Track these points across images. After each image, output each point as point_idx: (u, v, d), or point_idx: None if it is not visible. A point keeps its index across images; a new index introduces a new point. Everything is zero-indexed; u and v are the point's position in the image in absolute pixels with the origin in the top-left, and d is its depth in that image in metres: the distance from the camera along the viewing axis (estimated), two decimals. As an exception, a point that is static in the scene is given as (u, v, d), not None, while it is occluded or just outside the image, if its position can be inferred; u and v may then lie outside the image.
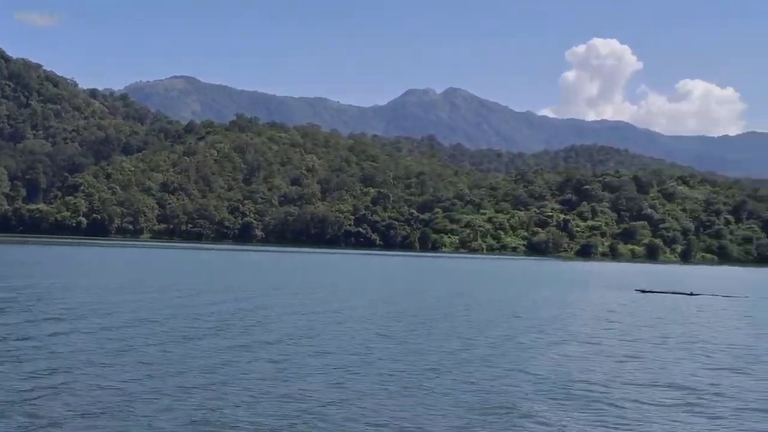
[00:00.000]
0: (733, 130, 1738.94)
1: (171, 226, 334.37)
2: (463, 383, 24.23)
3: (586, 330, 41.36)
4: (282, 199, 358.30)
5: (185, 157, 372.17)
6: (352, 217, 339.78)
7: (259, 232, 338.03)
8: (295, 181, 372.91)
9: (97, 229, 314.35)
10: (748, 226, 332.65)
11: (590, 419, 20.30)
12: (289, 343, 31.34)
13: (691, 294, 76.46)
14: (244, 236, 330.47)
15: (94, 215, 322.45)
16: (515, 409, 21.04)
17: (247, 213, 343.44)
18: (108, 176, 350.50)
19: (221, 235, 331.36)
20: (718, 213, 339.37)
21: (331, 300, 54.64)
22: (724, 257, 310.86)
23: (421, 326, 39.48)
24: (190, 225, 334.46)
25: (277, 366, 26.10)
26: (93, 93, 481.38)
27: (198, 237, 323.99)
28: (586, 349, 33.14)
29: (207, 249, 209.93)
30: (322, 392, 22.20)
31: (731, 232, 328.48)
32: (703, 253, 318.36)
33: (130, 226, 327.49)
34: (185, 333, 33.06)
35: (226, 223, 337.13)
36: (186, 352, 28.00)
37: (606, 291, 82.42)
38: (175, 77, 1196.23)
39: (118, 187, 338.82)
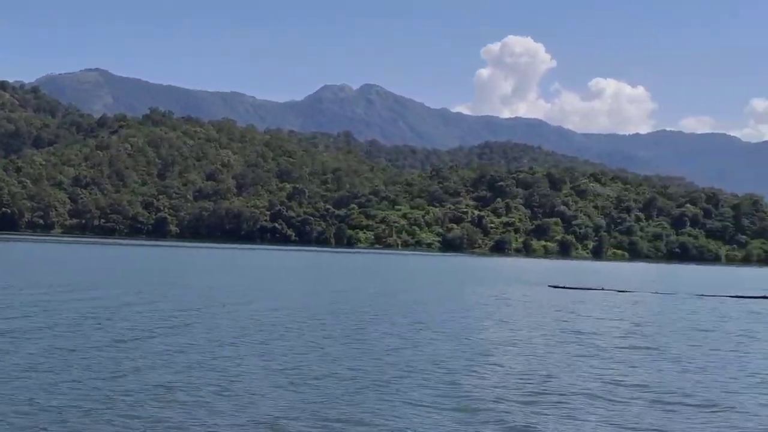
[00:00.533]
0: (644, 129, 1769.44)
1: (83, 221, 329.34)
2: (410, 381, 24.74)
3: (503, 326, 42.29)
4: (197, 194, 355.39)
5: (98, 151, 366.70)
6: (268, 213, 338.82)
7: (173, 228, 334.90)
8: (210, 176, 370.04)
9: (6, 223, 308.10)
10: (657, 222, 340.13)
11: (517, 411, 20.97)
12: (210, 346, 31.62)
13: (602, 289, 78.29)
14: (158, 231, 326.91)
15: (4, 209, 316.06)
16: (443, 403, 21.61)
17: (162, 208, 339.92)
18: (18, 170, 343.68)
19: (135, 230, 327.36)
20: (628, 210, 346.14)
21: (269, 298, 54.83)
22: (634, 253, 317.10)
23: (348, 325, 40.03)
24: (102, 220, 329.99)
25: (209, 366, 26.38)
26: (3, 85, 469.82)
27: (111, 232, 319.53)
28: (502, 345, 33.96)
29: (123, 245, 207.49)
30: (248, 393, 22.55)
31: (641, 229, 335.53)
32: (614, 249, 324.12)
33: (41, 221, 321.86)
34: (117, 335, 33.06)
35: (140, 219, 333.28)
36: (114, 356, 28.04)
37: (521, 287, 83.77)
38: (88, 70, 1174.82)
39: (28, 181, 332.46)
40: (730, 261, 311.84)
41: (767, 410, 22.35)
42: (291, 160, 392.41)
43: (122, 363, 25.46)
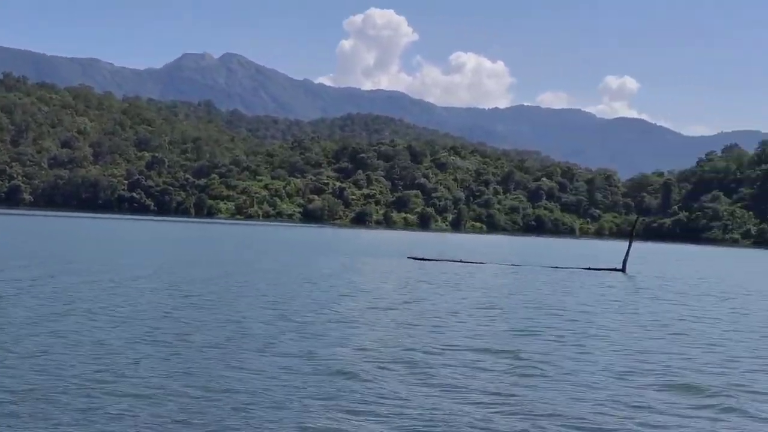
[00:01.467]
0: (503, 103, 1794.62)
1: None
2: (276, 350, 24.73)
3: (358, 297, 42.58)
4: (52, 161, 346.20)
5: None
6: (126, 182, 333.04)
7: (27, 196, 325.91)
8: (65, 144, 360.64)
9: None
10: (514, 196, 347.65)
11: (404, 379, 21.24)
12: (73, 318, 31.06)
13: (461, 261, 79.48)
14: (11, 200, 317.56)
15: None
16: (334, 371, 21.72)
17: (15, 176, 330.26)
18: None
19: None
20: (487, 183, 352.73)
21: (130, 269, 53.98)
22: (492, 226, 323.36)
23: (201, 294, 39.83)
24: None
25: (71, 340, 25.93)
26: None
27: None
28: (356, 315, 34.26)
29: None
30: (126, 363, 22.31)
31: (499, 202, 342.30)
32: (473, 222, 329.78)
33: None
34: None
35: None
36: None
37: (381, 259, 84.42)
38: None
39: None
40: (584, 234, 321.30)
41: (609, 382, 23.09)
42: (150, 128, 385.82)
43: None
